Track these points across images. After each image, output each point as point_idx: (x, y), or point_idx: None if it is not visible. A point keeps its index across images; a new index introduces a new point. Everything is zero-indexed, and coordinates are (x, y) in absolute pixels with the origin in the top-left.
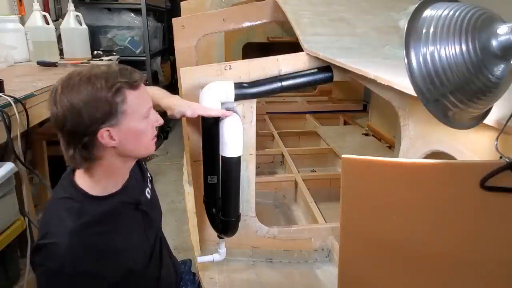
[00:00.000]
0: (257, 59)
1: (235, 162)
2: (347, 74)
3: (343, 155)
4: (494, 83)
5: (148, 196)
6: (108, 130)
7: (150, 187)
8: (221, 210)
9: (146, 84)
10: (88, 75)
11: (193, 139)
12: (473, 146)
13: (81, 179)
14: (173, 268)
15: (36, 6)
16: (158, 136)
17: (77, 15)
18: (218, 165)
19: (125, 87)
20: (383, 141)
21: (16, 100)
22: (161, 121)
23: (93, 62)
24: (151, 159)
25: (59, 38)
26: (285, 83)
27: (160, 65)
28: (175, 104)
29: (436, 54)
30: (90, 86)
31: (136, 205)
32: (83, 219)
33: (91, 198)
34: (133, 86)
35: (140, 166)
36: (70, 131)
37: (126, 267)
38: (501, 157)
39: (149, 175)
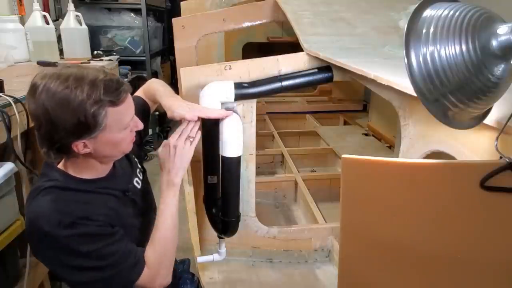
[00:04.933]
0: (257, 59)
1: (235, 162)
2: (347, 74)
3: (343, 155)
4: (494, 83)
5: (138, 186)
6: (83, 142)
7: (141, 177)
8: (221, 210)
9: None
10: (72, 85)
11: None
12: (473, 146)
13: (62, 167)
14: None
15: (36, 6)
16: (158, 135)
17: (77, 15)
18: (218, 165)
19: (108, 105)
20: (383, 141)
21: (16, 100)
22: (140, 126)
23: (93, 62)
24: (151, 159)
25: (59, 38)
26: (285, 83)
27: (160, 65)
28: (176, 105)
29: (436, 54)
30: (72, 95)
31: (123, 192)
32: (63, 190)
33: (73, 178)
34: (117, 103)
35: (127, 156)
36: (45, 136)
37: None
38: (501, 157)
39: (140, 167)
